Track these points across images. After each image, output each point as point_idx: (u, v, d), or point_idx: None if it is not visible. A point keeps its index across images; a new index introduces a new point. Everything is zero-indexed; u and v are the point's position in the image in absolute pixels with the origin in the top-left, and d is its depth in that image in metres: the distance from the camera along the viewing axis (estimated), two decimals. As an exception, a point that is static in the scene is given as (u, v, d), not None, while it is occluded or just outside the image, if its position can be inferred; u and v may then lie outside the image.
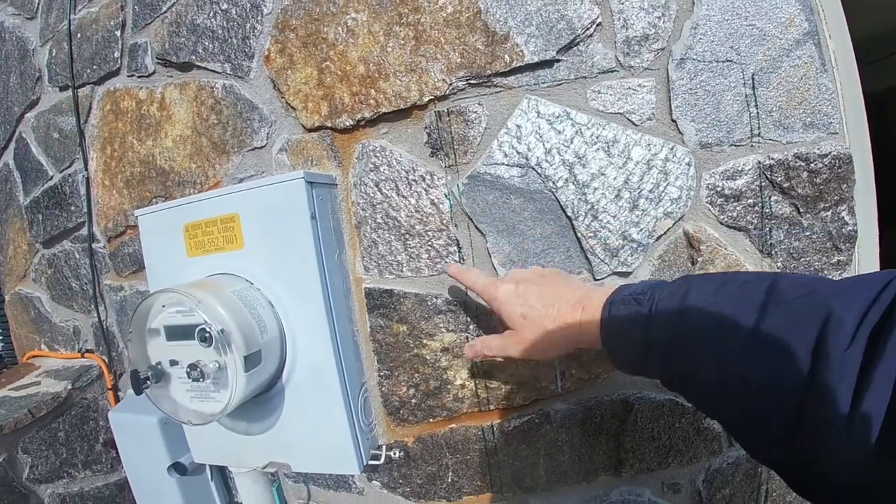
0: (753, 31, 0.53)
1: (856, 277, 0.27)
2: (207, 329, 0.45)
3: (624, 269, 0.52)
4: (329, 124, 0.56)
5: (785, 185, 0.53)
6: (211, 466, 0.69)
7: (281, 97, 0.58)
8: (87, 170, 0.72)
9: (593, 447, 0.56)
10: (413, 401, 0.57)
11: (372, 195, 0.55)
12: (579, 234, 0.52)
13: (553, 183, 0.51)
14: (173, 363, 0.49)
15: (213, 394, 0.49)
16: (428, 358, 0.55)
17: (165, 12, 0.65)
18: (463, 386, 0.55)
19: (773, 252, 0.53)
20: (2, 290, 0.97)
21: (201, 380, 0.46)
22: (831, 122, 0.54)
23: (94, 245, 0.75)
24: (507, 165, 0.52)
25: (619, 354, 0.37)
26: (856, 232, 0.55)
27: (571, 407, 0.55)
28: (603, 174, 0.51)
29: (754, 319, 0.27)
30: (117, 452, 0.75)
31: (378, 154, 0.54)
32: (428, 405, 0.56)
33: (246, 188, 0.52)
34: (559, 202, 0.51)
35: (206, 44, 0.62)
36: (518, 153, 0.52)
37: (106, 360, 0.76)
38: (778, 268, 0.54)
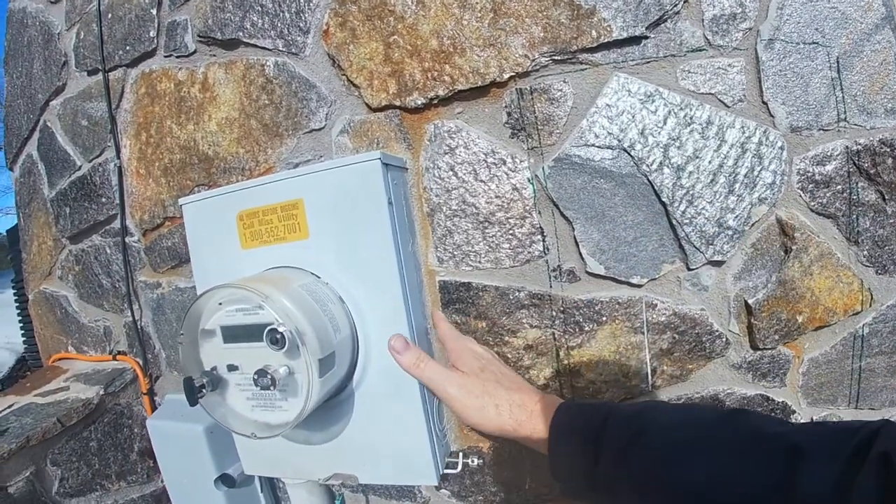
0: (836, 14, 0.44)
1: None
2: (279, 329, 0.33)
3: (719, 258, 0.43)
4: (398, 103, 0.45)
5: (871, 172, 0.45)
6: (261, 480, 0.57)
7: (342, 74, 0.47)
8: (119, 158, 0.59)
9: (679, 445, 0.46)
10: (490, 401, 0.46)
11: (447, 180, 0.44)
12: (674, 221, 0.42)
13: (647, 166, 0.42)
14: (232, 368, 0.38)
15: (280, 402, 0.37)
16: (509, 356, 0.44)
17: (207, -12, 0.52)
18: (546, 386, 0.45)
19: (859, 240, 0.45)
20: (26, 289, 0.81)
21: (272, 387, 0.34)
22: (908, 109, 0.46)
23: (127, 239, 0.62)
24: (598, 147, 0.42)
25: (562, 454, 0.31)
26: (935, 219, 0.47)
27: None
28: (698, 157, 0.42)
29: (722, 431, 0.25)
30: (154, 462, 0.62)
31: (453, 135, 0.44)
32: (506, 405, 0.46)
33: (312, 171, 0.41)
34: (653, 187, 0.42)
35: (255, 19, 0.50)
36: (610, 134, 0.42)
37: (140, 363, 0.63)
38: (864, 256, 0.46)
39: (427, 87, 0.44)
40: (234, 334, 0.37)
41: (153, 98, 0.57)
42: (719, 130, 0.42)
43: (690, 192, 0.42)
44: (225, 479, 0.53)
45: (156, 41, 0.56)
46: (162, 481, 0.62)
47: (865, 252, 0.46)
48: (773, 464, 0.21)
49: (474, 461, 0.45)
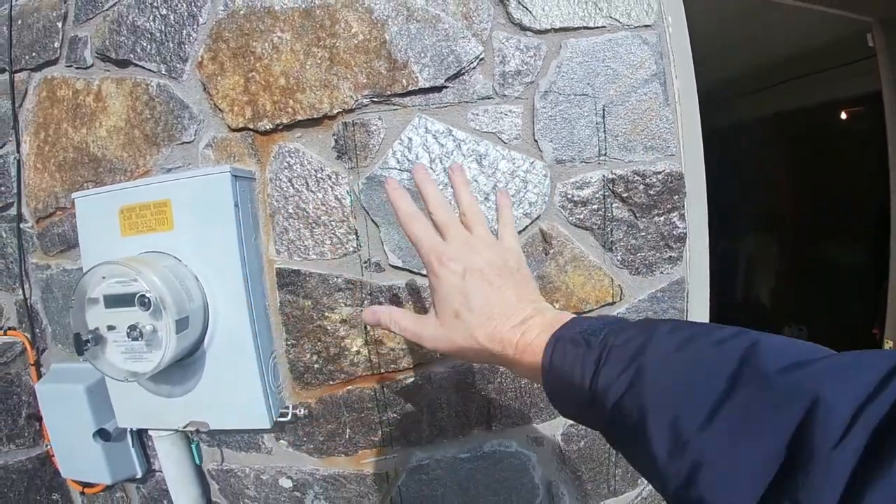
0: (608, 71, 0.83)
1: (857, 353, 0.26)
2: (147, 295, 0.70)
3: (490, 258, 0.81)
4: (251, 126, 0.82)
5: (624, 195, 0.83)
6: (132, 434, 0.94)
7: (210, 99, 0.84)
8: (19, 152, 0.96)
9: (467, 405, 0.85)
10: (316, 366, 0.84)
11: (285, 189, 0.82)
12: (454, 229, 0.80)
13: (434, 186, 0.80)
14: (111, 328, 0.74)
15: (146, 354, 0.74)
16: (329, 328, 0.82)
17: (107, 10, 0.89)
18: (358, 352, 0.83)
19: (613, 247, 0.84)
20: None
21: (140, 339, 0.71)
22: (668, 146, 0.86)
23: (21, 225, 0.99)
24: (399, 170, 0.80)
25: (559, 400, 0.39)
26: (685, 233, 0.86)
27: (448, 370, 0.83)
28: (475, 181, 0.80)
29: (721, 392, 0.28)
30: (40, 426, 0.99)
31: (292, 154, 0.82)
32: (329, 370, 0.84)
33: (179, 177, 0.78)
34: (439, 202, 0.80)
35: (144, 44, 0.87)
36: (408, 160, 0.80)
37: (29, 337, 0.99)
38: (617, 261, 0.84)
39: (275, 115, 0.82)
40: (113, 301, 0.74)
41: (53, 102, 0.94)
42: (494, 161, 0.80)
43: (468, 207, 0.80)
44: (102, 434, 0.89)
45: (59, 51, 0.93)
46: (47, 445, 0.99)
47: (619, 257, 0.84)
48: (787, 413, 0.24)
49: (301, 412, 0.83)
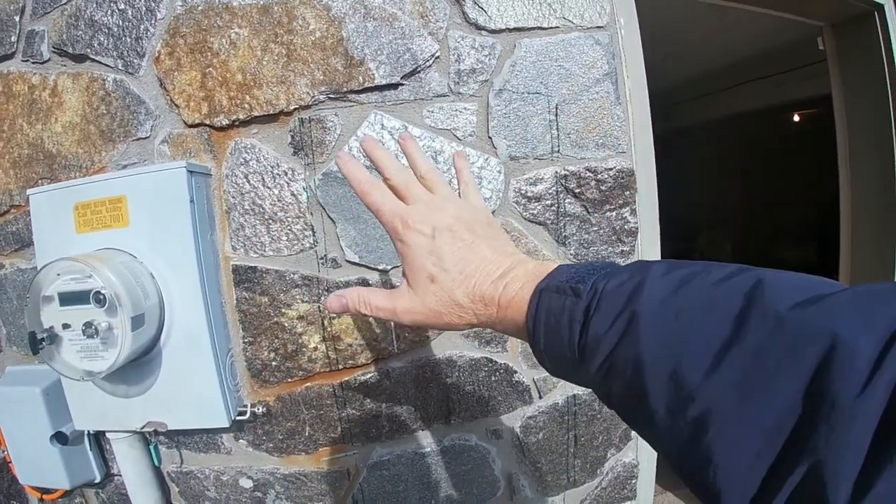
0: (561, 71, 0.87)
1: (872, 286, 0.24)
2: (102, 292, 0.72)
3: (446, 253, 0.84)
4: (208, 122, 0.84)
5: (576, 191, 0.87)
6: (89, 437, 0.95)
7: (166, 95, 0.86)
8: (-29, 150, 0.96)
9: (426, 400, 0.87)
10: (273, 363, 0.86)
11: (241, 185, 0.84)
12: (411, 224, 0.83)
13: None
14: (66, 326, 0.75)
15: (102, 352, 0.75)
16: (286, 325, 0.84)
17: (65, 4, 0.91)
18: (315, 349, 0.85)
19: (566, 242, 0.87)
20: None
21: (95, 337, 0.72)
22: (620, 144, 0.90)
23: (-27, 224, 0.99)
24: (355, 166, 0.82)
25: (548, 358, 0.37)
26: (637, 228, 0.90)
27: (406, 365, 0.86)
28: (431, 176, 0.83)
29: (726, 337, 0.25)
30: (-7, 428, 0.99)
31: (248, 150, 0.84)
32: (286, 367, 0.86)
33: (134, 173, 0.80)
34: (395, 197, 0.83)
35: (102, 39, 0.89)
36: (364, 156, 0.82)
37: (-19, 338, 1.00)
38: (570, 255, 0.88)
39: (231, 111, 0.84)
40: (68, 298, 0.75)
41: (8, 97, 0.94)
42: (449, 157, 0.83)
43: (424, 203, 0.83)
44: (59, 437, 0.90)
45: (15, 45, 0.94)
46: (3, 451, 0.99)
47: (572, 251, 0.88)
48: (801, 359, 0.22)
49: (260, 409, 0.85)
